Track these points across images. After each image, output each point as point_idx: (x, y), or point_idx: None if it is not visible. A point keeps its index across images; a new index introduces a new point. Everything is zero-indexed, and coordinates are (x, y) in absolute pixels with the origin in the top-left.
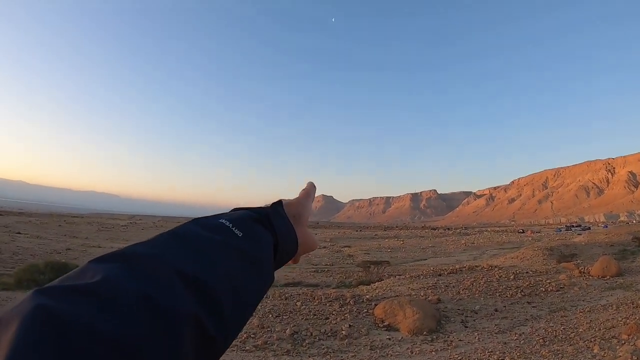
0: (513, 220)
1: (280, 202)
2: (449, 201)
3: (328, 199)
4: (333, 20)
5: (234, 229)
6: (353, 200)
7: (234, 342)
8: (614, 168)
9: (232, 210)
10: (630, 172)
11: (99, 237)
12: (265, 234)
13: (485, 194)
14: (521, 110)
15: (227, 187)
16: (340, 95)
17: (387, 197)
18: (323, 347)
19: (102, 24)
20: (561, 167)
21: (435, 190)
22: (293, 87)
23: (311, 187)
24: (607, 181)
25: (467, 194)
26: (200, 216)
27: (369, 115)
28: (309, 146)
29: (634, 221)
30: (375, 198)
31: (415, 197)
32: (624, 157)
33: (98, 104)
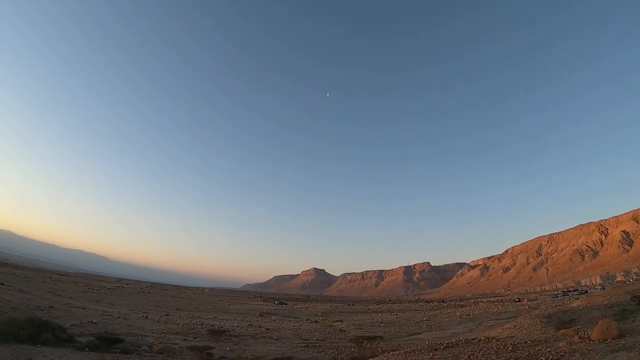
0: (508, 289)
1: None
2: (443, 273)
3: (319, 272)
4: (327, 95)
5: None
6: (345, 273)
7: None
8: (607, 229)
9: None
10: (624, 232)
11: (84, 298)
12: None
13: (479, 264)
14: (510, 179)
15: (216, 258)
16: (327, 173)
17: (379, 270)
18: None
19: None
20: (554, 233)
21: (428, 263)
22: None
23: None
24: (601, 243)
25: (461, 265)
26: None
27: (360, 187)
28: (300, 220)
29: (631, 280)
30: (367, 271)
31: (408, 269)
32: (616, 217)
33: (92, 164)
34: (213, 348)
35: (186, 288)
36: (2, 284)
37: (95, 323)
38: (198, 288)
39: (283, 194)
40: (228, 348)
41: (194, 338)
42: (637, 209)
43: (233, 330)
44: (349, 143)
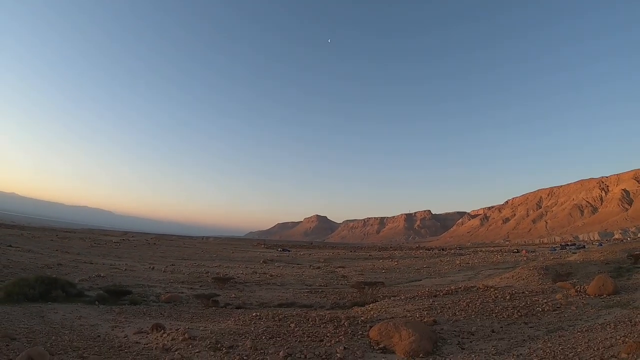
0: (507, 240)
1: None
2: (443, 221)
3: (322, 219)
4: (329, 41)
5: None
6: (347, 220)
7: None
8: (608, 186)
9: None
10: (624, 190)
11: (91, 253)
12: None
13: (479, 214)
14: (514, 131)
15: (220, 207)
16: (333, 115)
17: (381, 217)
18: None
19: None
20: (555, 187)
21: (429, 211)
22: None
23: None
24: (601, 199)
25: (462, 214)
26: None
27: (363, 135)
28: (302, 166)
29: (629, 238)
30: (369, 218)
31: (409, 217)
32: (618, 175)
33: (94, 118)
34: (219, 295)
35: (191, 238)
36: (11, 245)
37: (103, 277)
38: (202, 237)
39: (285, 141)
40: (233, 295)
41: (200, 286)
42: (639, 169)
43: (238, 277)
44: (352, 85)
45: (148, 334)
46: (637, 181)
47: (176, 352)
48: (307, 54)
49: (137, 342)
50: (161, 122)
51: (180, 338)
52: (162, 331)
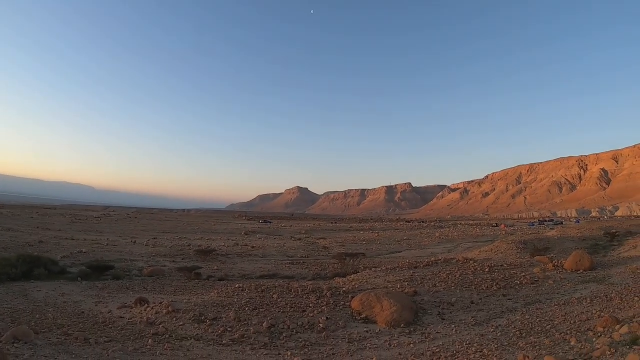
0: (487, 214)
1: None
2: (424, 194)
3: (303, 191)
4: (312, 11)
5: None
6: (328, 192)
7: (210, 336)
8: (587, 165)
9: None
10: (602, 169)
11: (72, 229)
12: None
13: (459, 188)
14: (495, 107)
15: (201, 179)
16: (313, 84)
17: (362, 189)
18: (300, 340)
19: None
20: (534, 163)
21: (410, 183)
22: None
23: None
24: (580, 177)
25: (442, 187)
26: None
27: (344, 107)
28: (283, 137)
29: (605, 217)
30: (350, 190)
31: (390, 189)
32: (597, 154)
33: (70, 89)
34: (201, 268)
35: (172, 211)
36: None
37: (85, 252)
38: (184, 210)
39: (266, 112)
40: (215, 267)
41: (182, 259)
42: (618, 149)
43: (219, 249)
44: (332, 56)
45: (132, 308)
46: (616, 161)
47: (160, 325)
48: (284, 22)
49: (121, 317)
50: (135, 96)
51: (164, 311)
52: (146, 305)
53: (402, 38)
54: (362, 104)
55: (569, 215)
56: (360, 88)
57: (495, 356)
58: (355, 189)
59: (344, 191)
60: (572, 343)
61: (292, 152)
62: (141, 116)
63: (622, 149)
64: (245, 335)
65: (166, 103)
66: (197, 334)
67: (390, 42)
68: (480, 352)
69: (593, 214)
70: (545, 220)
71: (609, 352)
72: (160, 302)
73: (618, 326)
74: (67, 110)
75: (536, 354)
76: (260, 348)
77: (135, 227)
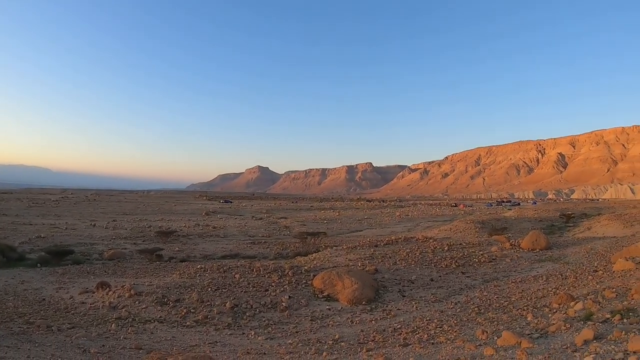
0: (446, 194)
1: None
2: (384, 174)
3: (264, 170)
4: None
5: None
6: (289, 171)
7: (174, 318)
8: (544, 149)
9: None
10: (560, 154)
11: (29, 214)
12: None
13: (419, 168)
14: (455, 89)
15: (160, 160)
16: (273, 66)
17: (322, 168)
18: (264, 319)
19: None
20: (494, 145)
21: (370, 163)
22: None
23: None
24: (537, 161)
25: (402, 167)
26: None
27: (304, 85)
28: (245, 116)
29: (561, 199)
30: (311, 170)
31: (350, 169)
32: (554, 139)
33: (26, 70)
34: (162, 249)
35: (131, 192)
36: None
37: (44, 237)
38: (143, 191)
39: (225, 91)
40: (177, 248)
41: (143, 241)
42: (575, 135)
43: (181, 230)
44: (294, 39)
45: (94, 293)
46: (573, 147)
47: (123, 310)
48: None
49: (83, 303)
50: (93, 72)
51: (127, 295)
52: (108, 289)
53: (369, 19)
54: (324, 85)
55: (527, 197)
56: (322, 69)
57: (455, 332)
58: (316, 169)
59: (305, 171)
60: (528, 319)
61: (253, 131)
62: (98, 95)
63: (579, 135)
64: (209, 316)
65: (125, 79)
66: (160, 317)
67: (358, 22)
68: (441, 327)
69: (550, 196)
70: (503, 201)
71: (564, 328)
72: (122, 286)
73: (573, 303)
74: (21, 91)
75: (494, 329)
76: (224, 328)
77: (94, 210)
